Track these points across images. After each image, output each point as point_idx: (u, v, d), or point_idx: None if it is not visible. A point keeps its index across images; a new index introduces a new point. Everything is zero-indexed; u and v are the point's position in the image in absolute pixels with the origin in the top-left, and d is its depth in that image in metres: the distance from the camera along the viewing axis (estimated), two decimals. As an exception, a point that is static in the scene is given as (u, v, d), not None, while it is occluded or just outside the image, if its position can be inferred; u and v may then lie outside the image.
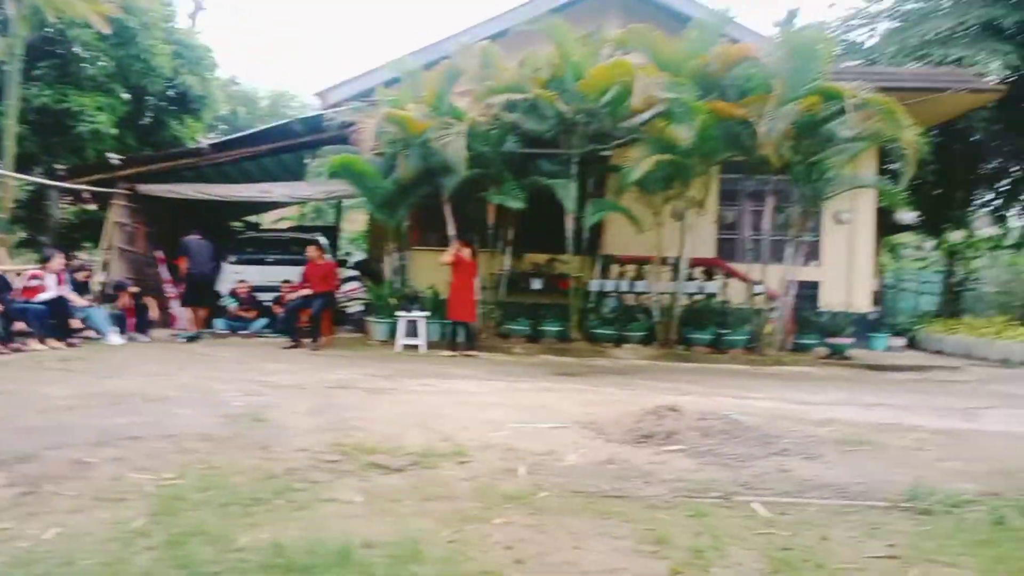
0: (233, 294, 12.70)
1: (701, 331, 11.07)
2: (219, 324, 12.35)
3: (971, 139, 15.32)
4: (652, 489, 3.90)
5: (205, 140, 14.23)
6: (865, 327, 12.46)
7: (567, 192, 10.64)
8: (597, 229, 11.69)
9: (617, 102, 10.32)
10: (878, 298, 13.34)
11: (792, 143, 10.26)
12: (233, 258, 13.94)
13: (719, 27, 10.76)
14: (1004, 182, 16.97)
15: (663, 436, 4.84)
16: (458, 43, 11.37)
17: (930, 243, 18.54)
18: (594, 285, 11.73)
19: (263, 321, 12.50)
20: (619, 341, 11.12)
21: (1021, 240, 17.31)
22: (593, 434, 5.11)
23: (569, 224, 10.94)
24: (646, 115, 10.59)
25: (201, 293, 11.75)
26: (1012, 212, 17.87)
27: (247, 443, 4.57)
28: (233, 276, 13.13)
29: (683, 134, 9.77)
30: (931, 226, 17.23)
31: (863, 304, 12.82)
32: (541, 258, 12.49)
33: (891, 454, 4.89)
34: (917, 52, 14.58)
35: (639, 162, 10.11)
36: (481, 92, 10.54)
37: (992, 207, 17.81)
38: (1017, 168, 16.34)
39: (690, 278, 11.56)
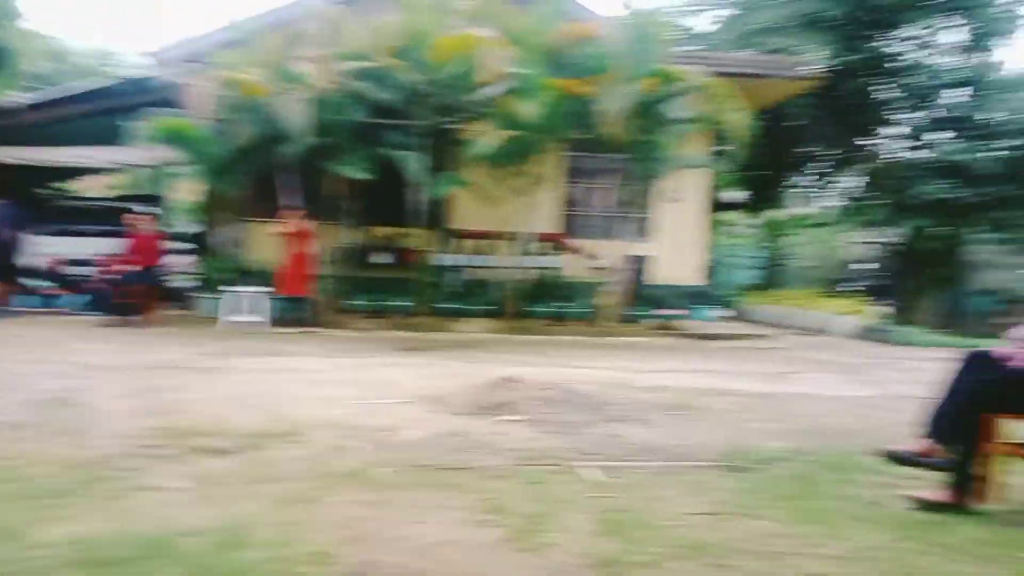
0: (46, 268, 11.59)
1: (544, 304, 11.34)
2: (29, 301, 11.24)
3: (795, 124, 16.53)
4: (492, 459, 3.94)
5: (15, 98, 12.82)
6: (695, 299, 13.22)
7: (414, 164, 10.48)
8: (444, 203, 11.63)
9: (465, 75, 10.24)
10: (708, 272, 14.18)
11: (632, 122, 10.64)
12: (47, 228, 12.69)
13: (562, 3, 10.90)
14: (820, 165, 18.51)
15: (504, 407, 4.91)
16: (305, 7, 10.87)
17: (755, 220, 19.96)
18: (441, 259, 11.69)
19: (81, 297, 11.50)
20: (465, 315, 11.17)
21: (836, 219, 19.05)
22: (435, 408, 5.10)
23: (416, 197, 10.81)
24: (495, 89, 10.60)
25: (2, 263, 10.64)
26: (825, 193, 19.61)
27: (55, 430, 4.18)
28: (46, 248, 11.97)
29: (530, 110, 9.87)
30: (756, 204, 18.52)
31: (694, 277, 13.58)
32: (388, 231, 12.27)
33: (713, 417, 5.22)
34: (752, 39, 15.51)
35: (487, 136, 10.14)
36: (327, 58, 10.15)
37: (808, 188, 19.45)
38: (833, 152, 17.85)
39: (535, 253, 11.79)
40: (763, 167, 16.50)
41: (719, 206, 16.65)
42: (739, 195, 17.13)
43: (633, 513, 3.20)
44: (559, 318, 11.30)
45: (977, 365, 3.47)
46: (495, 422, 4.69)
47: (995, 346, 3.60)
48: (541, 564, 2.64)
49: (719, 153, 12.46)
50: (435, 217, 11.43)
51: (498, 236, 11.63)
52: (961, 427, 3.37)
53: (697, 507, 3.33)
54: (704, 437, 4.60)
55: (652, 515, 3.19)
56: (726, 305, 14.53)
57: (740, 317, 14.60)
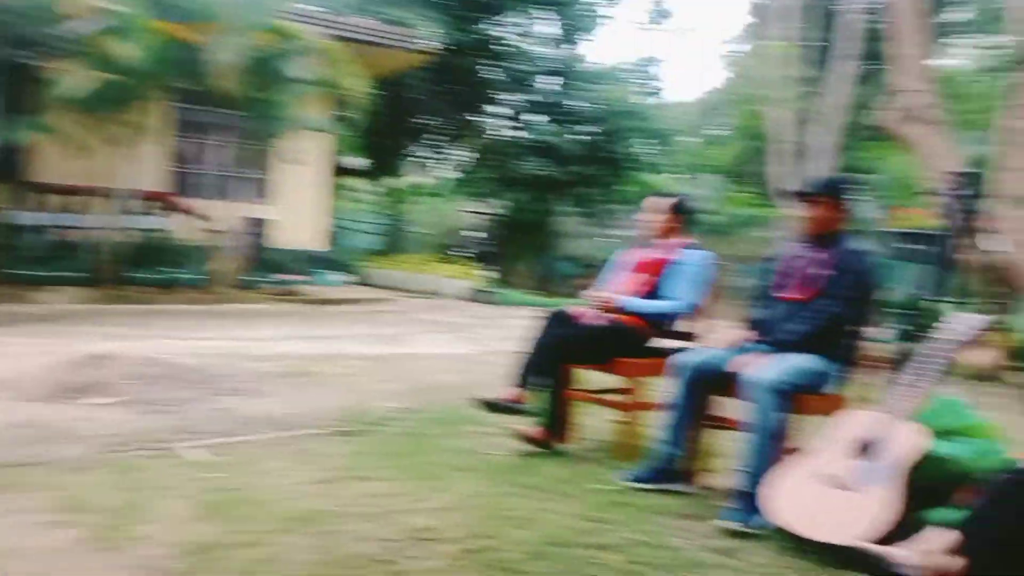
0: None
1: (149, 271, 10.32)
2: None
3: (413, 96, 17.15)
4: (75, 450, 3.46)
5: None
6: (317, 264, 13.15)
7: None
8: (22, 151, 9.90)
9: (46, 5, 8.77)
10: (330, 237, 14.17)
11: (246, 78, 10.09)
12: None
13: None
14: (436, 137, 19.54)
15: (92, 388, 4.35)
16: None
17: (376, 187, 20.46)
18: (17, 217, 9.96)
19: None
20: (49, 283, 9.69)
21: (449, 189, 20.38)
22: (5, 394, 4.33)
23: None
24: (85, 25, 9.23)
25: None
26: (440, 164, 20.85)
27: None
28: None
29: (128, 53, 8.78)
30: (377, 171, 18.98)
31: (316, 242, 13.47)
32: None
33: (330, 382, 5.25)
34: (373, 8, 15.61)
35: (76, 78, 8.82)
36: None
37: (425, 158, 20.51)
38: (447, 126, 18.93)
39: (137, 212, 10.64)
40: (384, 135, 16.93)
41: (341, 171, 16.71)
42: (361, 161, 17.36)
43: (239, 491, 3.05)
44: (167, 285, 10.39)
45: (557, 321, 3.95)
46: (80, 406, 4.13)
47: (573, 305, 4.14)
48: (123, 562, 2.36)
49: (339, 118, 12.44)
50: (10, 167, 9.72)
51: (92, 192, 10.25)
52: (545, 375, 3.81)
53: (308, 476, 3.30)
54: (319, 403, 4.59)
55: (259, 490, 3.07)
56: (348, 270, 14.72)
57: (362, 281, 14.90)
